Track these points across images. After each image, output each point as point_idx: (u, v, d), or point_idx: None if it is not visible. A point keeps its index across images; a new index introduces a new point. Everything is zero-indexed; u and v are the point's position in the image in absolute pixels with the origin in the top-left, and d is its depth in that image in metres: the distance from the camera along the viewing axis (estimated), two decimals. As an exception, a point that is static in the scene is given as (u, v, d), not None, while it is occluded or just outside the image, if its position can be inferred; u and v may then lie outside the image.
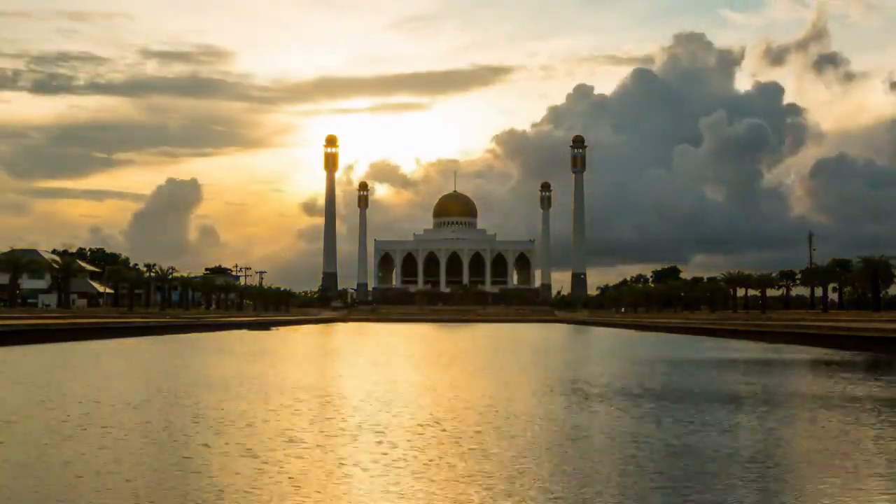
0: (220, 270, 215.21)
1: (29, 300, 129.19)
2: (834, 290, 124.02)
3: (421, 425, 17.44)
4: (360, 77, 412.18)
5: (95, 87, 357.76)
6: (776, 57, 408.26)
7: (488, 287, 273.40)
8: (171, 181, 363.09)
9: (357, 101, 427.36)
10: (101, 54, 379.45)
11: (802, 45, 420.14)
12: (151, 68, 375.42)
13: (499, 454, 14.19)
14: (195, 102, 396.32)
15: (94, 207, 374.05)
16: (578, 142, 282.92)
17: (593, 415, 19.56)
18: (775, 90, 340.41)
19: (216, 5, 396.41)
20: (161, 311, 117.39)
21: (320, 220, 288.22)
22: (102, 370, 33.81)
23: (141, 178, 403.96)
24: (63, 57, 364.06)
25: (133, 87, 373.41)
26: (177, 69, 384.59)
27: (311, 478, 12.38)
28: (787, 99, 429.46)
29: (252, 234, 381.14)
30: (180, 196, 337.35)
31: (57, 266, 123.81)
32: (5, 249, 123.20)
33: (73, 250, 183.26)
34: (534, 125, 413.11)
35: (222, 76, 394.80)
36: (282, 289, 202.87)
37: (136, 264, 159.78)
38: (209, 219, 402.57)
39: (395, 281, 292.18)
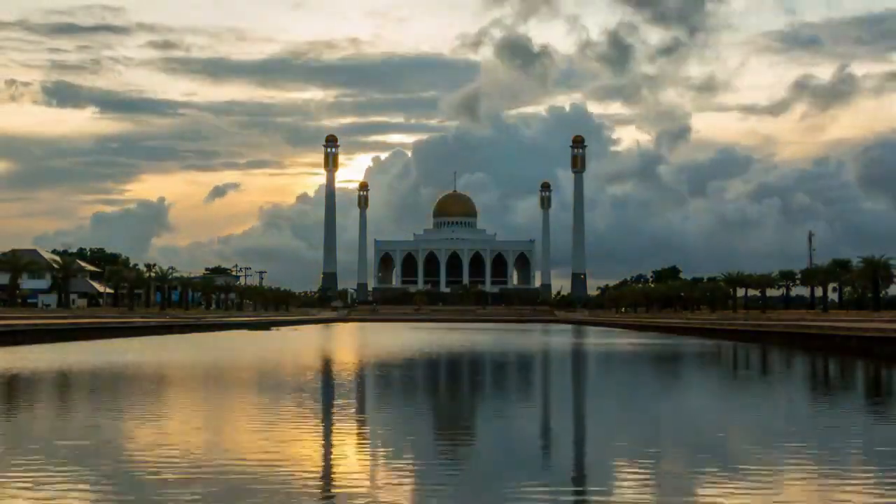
0: (220, 270, 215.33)
1: (29, 300, 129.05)
2: (834, 290, 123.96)
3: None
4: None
5: (110, 101, 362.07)
6: None
7: (488, 287, 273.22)
8: (173, 189, 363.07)
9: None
10: (114, 67, 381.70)
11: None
12: (169, 79, 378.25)
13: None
14: (199, 106, 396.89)
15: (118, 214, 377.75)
16: (578, 142, 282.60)
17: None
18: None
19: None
20: (161, 311, 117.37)
21: (321, 220, 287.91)
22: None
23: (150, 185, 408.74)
24: (80, 66, 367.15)
25: (150, 101, 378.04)
26: (187, 81, 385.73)
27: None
28: None
29: (252, 234, 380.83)
30: (184, 200, 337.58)
31: (57, 266, 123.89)
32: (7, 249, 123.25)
33: (74, 250, 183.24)
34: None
35: (228, 85, 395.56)
36: (282, 289, 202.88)
37: (136, 264, 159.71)
38: (212, 218, 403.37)
39: (395, 281, 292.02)
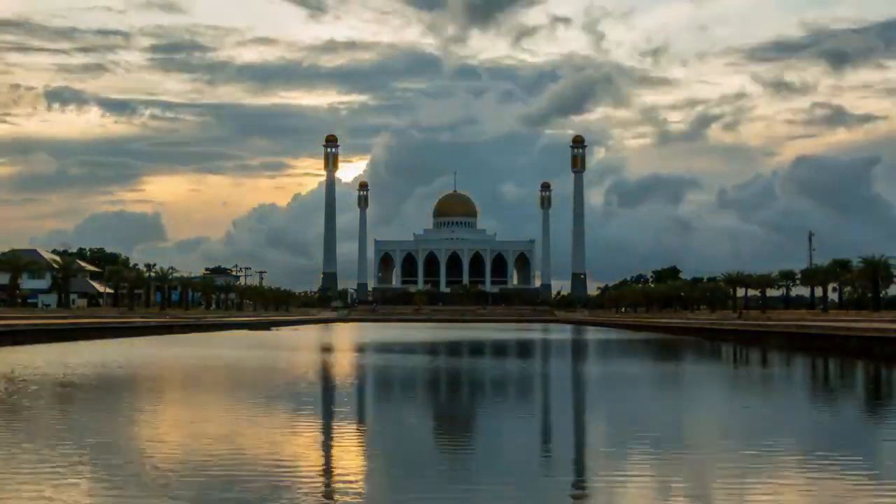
0: (220, 270, 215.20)
1: (29, 300, 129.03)
2: (834, 290, 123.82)
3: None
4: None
5: (112, 103, 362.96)
6: None
7: (488, 287, 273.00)
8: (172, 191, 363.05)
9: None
10: (116, 70, 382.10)
11: None
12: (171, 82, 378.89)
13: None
14: (201, 109, 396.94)
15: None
16: (578, 142, 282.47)
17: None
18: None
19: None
20: (161, 311, 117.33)
21: (321, 220, 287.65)
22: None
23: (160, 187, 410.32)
24: (82, 69, 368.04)
25: (151, 103, 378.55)
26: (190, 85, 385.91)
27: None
28: None
29: (252, 234, 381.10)
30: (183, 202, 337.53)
31: (57, 266, 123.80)
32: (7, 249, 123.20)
33: (74, 250, 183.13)
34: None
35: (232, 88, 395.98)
36: (282, 289, 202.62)
37: (136, 264, 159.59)
38: (212, 219, 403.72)
39: (395, 281, 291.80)
